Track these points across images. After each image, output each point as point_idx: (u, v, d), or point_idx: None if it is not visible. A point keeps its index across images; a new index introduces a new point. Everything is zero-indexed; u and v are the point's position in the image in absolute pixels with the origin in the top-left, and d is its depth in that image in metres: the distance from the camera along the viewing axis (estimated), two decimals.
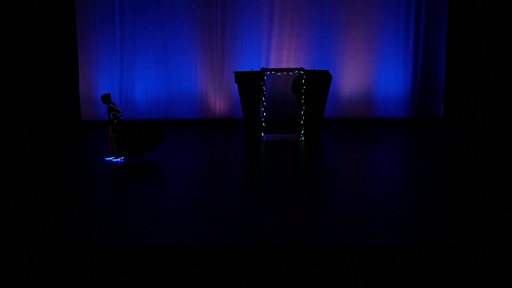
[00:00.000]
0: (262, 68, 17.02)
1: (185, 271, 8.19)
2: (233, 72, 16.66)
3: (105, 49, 19.01)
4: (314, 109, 16.17)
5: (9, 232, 9.19)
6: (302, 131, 16.31)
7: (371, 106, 19.21)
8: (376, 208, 10.36)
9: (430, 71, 19.00)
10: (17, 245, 8.64)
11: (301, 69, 16.37)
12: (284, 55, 19.05)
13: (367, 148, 15.65)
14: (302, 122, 16.26)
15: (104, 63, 19.07)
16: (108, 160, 14.00)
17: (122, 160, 14.04)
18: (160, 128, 14.44)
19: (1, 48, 15.76)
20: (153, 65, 19.16)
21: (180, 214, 9.97)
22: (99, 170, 13.35)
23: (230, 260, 8.26)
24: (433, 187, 11.86)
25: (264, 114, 16.36)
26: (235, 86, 17.29)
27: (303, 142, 16.21)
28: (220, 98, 19.28)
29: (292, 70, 16.47)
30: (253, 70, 16.78)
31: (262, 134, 16.40)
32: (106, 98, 13.87)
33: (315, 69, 17.05)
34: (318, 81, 16.09)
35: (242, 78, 16.08)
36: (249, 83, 16.06)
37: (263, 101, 16.24)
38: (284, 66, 18.76)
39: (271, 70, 16.59)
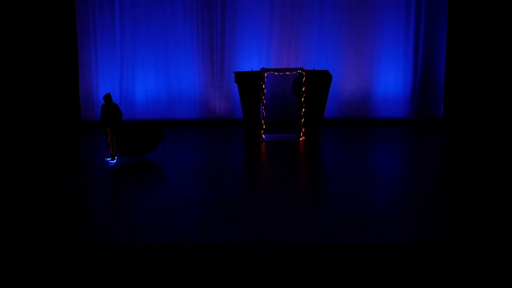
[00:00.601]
0: (262, 68, 17.01)
1: (185, 271, 8.19)
2: (233, 72, 16.66)
3: (105, 49, 19.00)
4: (314, 109, 16.16)
5: (9, 232, 9.19)
6: (302, 131, 16.31)
7: (371, 106, 19.20)
8: (376, 208, 10.35)
9: (430, 71, 18.98)
10: (17, 245, 8.63)
11: (301, 69, 16.36)
12: (284, 55, 19.04)
13: (367, 148, 15.64)
14: (302, 122, 16.25)
15: (104, 63, 19.06)
16: (107, 160, 13.98)
17: (120, 160, 14.03)
18: (160, 128, 14.42)
19: (1, 48, 15.76)
20: (153, 65, 19.15)
21: (180, 214, 9.97)
22: (99, 170, 13.34)
23: (230, 260, 8.26)
24: (433, 187, 11.85)
25: (264, 114, 16.35)
26: (235, 86, 17.28)
27: (303, 142, 16.21)
28: (220, 98, 19.27)
29: (292, 70, 16.46)
30: (253, 70, 16.77)
31: (262, 134, 16.40)
32: (110, 97, 13.77)
33: (315, 69, 17.04)
34: (318, 81, 16.07)
35: (242, 78, 16.07)
36: (249, 83, 16.05)
37: (263, 101, 16.24)
38: (284, 66, 18.75)
39: (271, 70, 16.58)
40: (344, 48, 18.99)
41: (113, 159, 13.86)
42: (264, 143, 16.15)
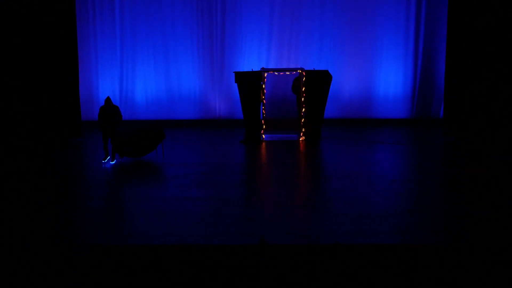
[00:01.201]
0: (262, 68, 17.02)
1: (185, 271, 8.19)
2: (233, 72, 16.66)
3: (105, 49, 19.03)
4: (314, 109, 16.16)
5: (8, 232, 9.19)
6: (302, 131, 16.31)
7: (371, 106, 19.22)
8: (376, 208, 10.35)
9: (430, 71, 19.01)
10: (17, 245, 8.63)
11: (301, 69, 16.36)
12: (284, 55, 19.07)
13: (367, 148, 15.64)
14: (302, 122, 16.25)
15: (104, 63, 19.08)
16: (107, 160, 13.98)
17: (120, 160, 14.03)
18: (160, 128, 14.42)
19: (1, 48, 15.76)
20: (153, 65, 19.18)
21: (180, 214, 9.97)
22: (99, 170, 13.34)
23: (230, 260, 8.26)
24: (433, 187, 11.85)
25: (264, 114, 16.35)
26: (235, 86, 17.29)
27: (303, 142, 16.21)
28: (220, 98, 19.29)
29: (292, 70, 16.47)
30: (253, 70, 16.78)
31: (262, 134, 16.40)
32: (110, 100, 13.71)
33: (315, 69, 17.05)
34: (318, 81, 16.08)
35: (242, 78, 16.07)
36: (249, 83, 16.05)
37: (263, 101, 16.24)
38: (284, 66, 18.76)
39: (271, 70, 16.59)
40: (344, 48, 19.02)
41: (113, 159, 13.85)
42: (264, 143, 16.15)
